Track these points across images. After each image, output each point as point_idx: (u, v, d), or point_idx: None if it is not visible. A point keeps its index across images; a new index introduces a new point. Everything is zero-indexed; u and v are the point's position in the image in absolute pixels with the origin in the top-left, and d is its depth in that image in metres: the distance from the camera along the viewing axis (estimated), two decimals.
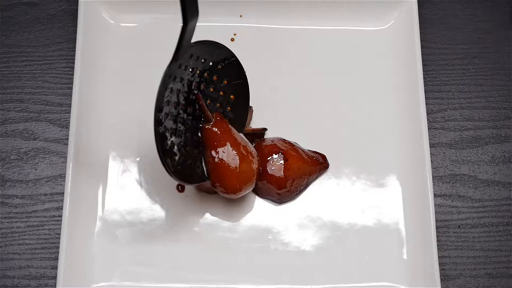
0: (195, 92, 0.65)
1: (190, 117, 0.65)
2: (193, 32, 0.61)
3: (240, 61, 0.67)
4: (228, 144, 0.65)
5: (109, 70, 0.74)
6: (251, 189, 0.68)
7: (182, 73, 0.63)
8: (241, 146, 0.66)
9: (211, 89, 0.66)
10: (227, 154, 0.65)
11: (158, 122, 0.61)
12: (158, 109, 0.61)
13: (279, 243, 0.69)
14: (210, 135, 0.65)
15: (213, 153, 0.65)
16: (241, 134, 0.68)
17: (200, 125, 0.66)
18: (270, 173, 0.68)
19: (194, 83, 0.65)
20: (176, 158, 0.63)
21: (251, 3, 0.75)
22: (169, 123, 0.62)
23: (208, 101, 0.66)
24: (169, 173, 0.62)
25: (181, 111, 0.64)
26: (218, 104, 0.67)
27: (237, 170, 0.65)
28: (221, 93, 0.67)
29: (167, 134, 0.62)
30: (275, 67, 0.75)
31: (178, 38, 0.60)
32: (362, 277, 0.68)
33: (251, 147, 0.67)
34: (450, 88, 0.76)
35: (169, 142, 0.62)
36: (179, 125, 0.63)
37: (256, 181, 0.68)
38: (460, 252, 0.71)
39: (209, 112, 0.65)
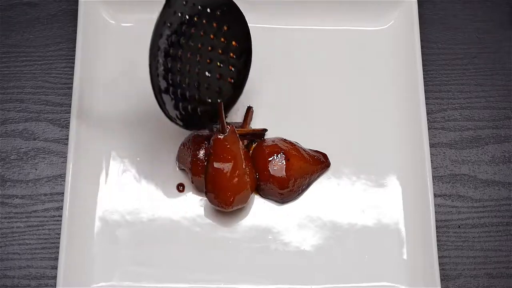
0: (219, 100, 0.66)
1: (189, 64, 0.65)
2: None
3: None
4: (234, 161, 0.66)
5: (109, 70, 0.74)
6: (245, 204, 0.68)
7: (177, 19, 0.63)
8: (244, 164, 0.67)
9: (211, 36, 0.66)
10: (229, 169, 0.65)
11: (154, 71, 0.61)
12: (153, 55, 0.61)
13: (279, 243, 0.69)
14: (220, 146, 0.65)
15: (217, 164, 0.65)
16: (243, 148, 0.68)
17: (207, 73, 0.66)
18: (272, 174, 0.68)
19: (192, 29, 0.64)
20: (176, 105, 0.64)
21: (251, 3, 0.75)
22: (165, 71, 0.62)
23: (210, 48, 0.66)
24: (169, 116, 0.63)
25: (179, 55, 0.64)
26: (220, 51, 0.67)
27: (234, 185, 0.66)
28: (222, 39, 0.67)
29: (165, 82, 0.63)
30: (275, 67, 0.75)
31: None
32: (362, 277, 0.68)
33: (249, 166, 0.68)
34: (450, 88, 0.76)
35: (168, 88, 0.63)
36: (178, 71, 0.64)
37: (258, 182, 0.69)
38: (460, 252, 0.71)
39: (225, 124, 0.65)
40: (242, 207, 0.69)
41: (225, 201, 0.66)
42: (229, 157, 0.65)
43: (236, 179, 0.66)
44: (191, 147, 0.68)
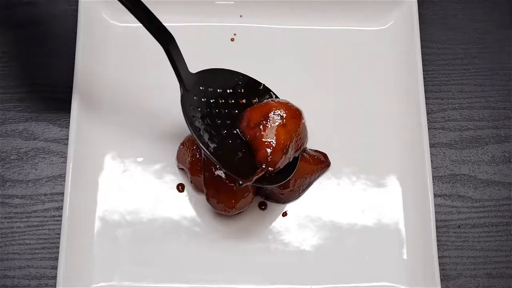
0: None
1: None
2: (181, 54, 0.63)
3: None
4: None
5: (109, 70, 0.74)
6: (247, 207, 0.68)
7: (201, 103, 0.65)
8: None
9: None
10: (227, 173, 0.65)
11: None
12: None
13: (279, 243, 0.69)
14: None
15: (212, 170, 0.65)
16: None
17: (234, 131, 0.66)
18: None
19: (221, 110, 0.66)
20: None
21: (251, 3, 0.75)
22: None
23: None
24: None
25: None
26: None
27: (235, 190, 0.65)
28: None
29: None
30: (275, 67, 0.75)
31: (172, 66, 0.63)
32: (362, 277, 0.68)
33: None
34: (450, 88, 0.76)
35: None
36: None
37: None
38: (460, 252, 0.71)
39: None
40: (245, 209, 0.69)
41: (228, 206, 0.66)
42: None
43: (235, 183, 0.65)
44: (190, 147, 0.68)
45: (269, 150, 0.63)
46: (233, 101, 0.66)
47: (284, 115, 0.65)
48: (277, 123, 0.64)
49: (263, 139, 0.64)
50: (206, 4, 0.75)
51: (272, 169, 0.64)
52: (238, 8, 0.76)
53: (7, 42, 0.76)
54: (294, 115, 0.65)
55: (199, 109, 0.65)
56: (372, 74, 0.75)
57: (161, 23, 0.63)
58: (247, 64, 0.74)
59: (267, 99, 0.67)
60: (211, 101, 0.65)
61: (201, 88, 0.65)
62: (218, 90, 0.66)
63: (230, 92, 0.67)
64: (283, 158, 0.64)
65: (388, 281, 0.68)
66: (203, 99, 0.65)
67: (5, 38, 0.76)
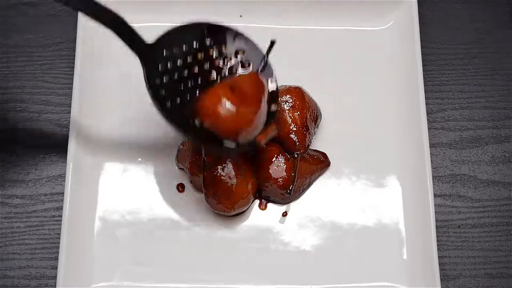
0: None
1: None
2: (129, 28, 0.61)
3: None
4: (229, 165, 0.66)
5: (109, 70, 0.74)
6: (246, 208, 0.68)
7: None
8: (242, 164, 0.66)
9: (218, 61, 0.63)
10: (226, 175, 0.65)
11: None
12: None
13: (279, 243, 0.69)
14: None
15: (213, 171, 0.65)
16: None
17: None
18: (273, 175, 0.68)
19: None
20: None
21: (251, 3, 0.75)
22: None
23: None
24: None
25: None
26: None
27: (234, 191, 0.66)
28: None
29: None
30: (274, 67, 0.75)
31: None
32: (362, 277, 0.68)
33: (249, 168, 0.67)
34: (450, 88, 0.76)
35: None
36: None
37: (258, 182, 0.69)
38: (460, 252, 0.71)
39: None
40: (244, 210, 0.69)
41: (227, 206, 0.66)
42: (223, 162, 0.65)
43: (235, 184, 0.65)
44: (190, 147, 0.68)
45: (293, 136, 0.68)
46: (202, 55, 0.62)
47: (289, 98, 0.69)
48: (287, 108, 0.69)
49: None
50: (206, 4, 0.75)
51: (303, 150, 0.68)
52: (238, 8, 0.76)
53: (7, 43, 0.76)
54: (297, 94, 0.69)
55: (168, 76, 0.61)
56: (372, 74, 0.75)
57: None
58: None
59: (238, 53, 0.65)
60: (178, 64, 0.61)
61: (164, 54, 0.60)
62: (184, 49, 0.61)
63: (196, 46, 0.62)
64: (307, 136, 0.68)
65: (388, 281, 0.68)
66: (169, 65, 0.60)
67: (4, 38, 0.76)
